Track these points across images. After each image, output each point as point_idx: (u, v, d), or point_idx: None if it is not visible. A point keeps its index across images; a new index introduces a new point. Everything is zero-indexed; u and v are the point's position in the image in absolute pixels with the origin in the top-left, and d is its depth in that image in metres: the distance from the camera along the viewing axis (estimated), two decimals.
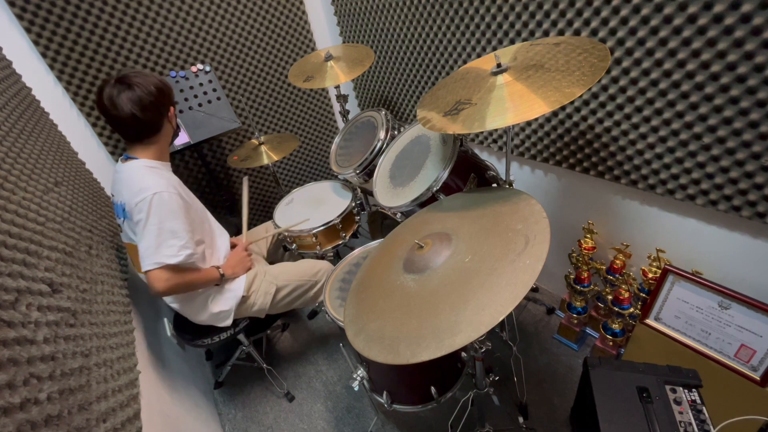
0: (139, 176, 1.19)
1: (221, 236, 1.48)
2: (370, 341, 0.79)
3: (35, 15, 1.55)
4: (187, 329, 1.46)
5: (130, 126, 1.19)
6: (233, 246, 1.60)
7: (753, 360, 1.10)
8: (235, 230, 2.14)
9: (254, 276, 1.48)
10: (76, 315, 0.90)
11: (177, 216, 1.18)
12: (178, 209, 1.19)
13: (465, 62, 1.58)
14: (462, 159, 1.24)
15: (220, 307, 1.40)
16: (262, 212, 2.57)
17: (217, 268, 1.37)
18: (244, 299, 1.43)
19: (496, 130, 1.64)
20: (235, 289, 1.41)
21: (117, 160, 1.90)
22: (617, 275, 1.43)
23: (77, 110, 1.75)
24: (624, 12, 1.04)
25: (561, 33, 1.21)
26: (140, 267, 1.27)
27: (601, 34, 1.11)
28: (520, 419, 1.40)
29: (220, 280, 1.36)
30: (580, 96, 1.21)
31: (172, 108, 1.28)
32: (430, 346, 0.68)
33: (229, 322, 1.43)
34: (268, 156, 1.86)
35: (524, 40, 1.31)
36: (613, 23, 1.08)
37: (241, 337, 1.55)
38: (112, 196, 1.30)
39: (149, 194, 1.14)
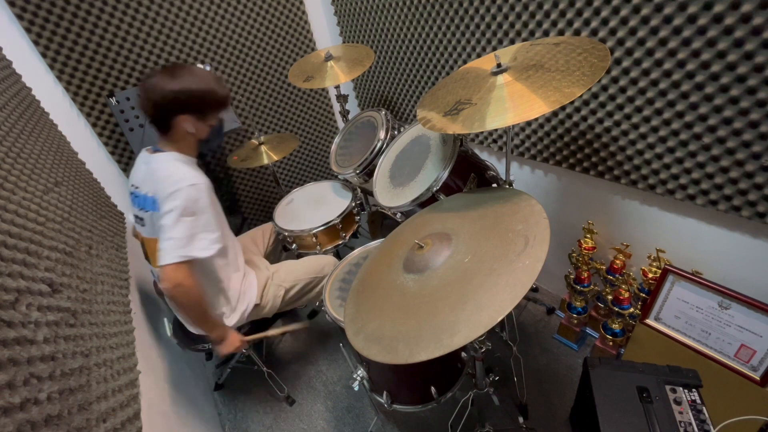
0: (174, 167, 1.17)
1: (233, 240, 1.47)
2: (370, 341, 0.79)
3: (35, 15, 1.55)
4: (187, 332, 1.45)
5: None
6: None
7: (753, 360, 1.10)
8: (235, 230, 2.15)
9: (265, 282, 1.48)
10: (76, 315, 0.90)
11: (210, 209, 1.16)
12: (211, 203, 1.17)
13: (465, 62, 1.57)
14: (462, 159, 1.24)
15: (234, 321, 1.39)
16: (262, 213, 2.57)
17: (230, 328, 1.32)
18: (257, 306, 1.43)
19: (496, 130, 1.64)
20: (249, 299, 1.41)
21: (117, 160, 1.92)
22: (617, 275, 1.43)
23: (77, 110, 1.75)
24: (624, 12, 1.04)
25: (561, 33, 1.21)
26: (155, 261, 1.21)
27: (601, 34, 1.11)
28: (520, 419, 1.40)
29: (218, 335, 1.26)
30: (580, 96, 1.20)
31: (188, 115, 1.16)
32: (428, 345, 0.68)
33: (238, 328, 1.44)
34: (268, 156, 1.86)
35: (524, 40, 1.31)
36: (613, 23, 1.07)
37: None
38: (135, 188, 1.23)
39: (185, 184, 1.11)
